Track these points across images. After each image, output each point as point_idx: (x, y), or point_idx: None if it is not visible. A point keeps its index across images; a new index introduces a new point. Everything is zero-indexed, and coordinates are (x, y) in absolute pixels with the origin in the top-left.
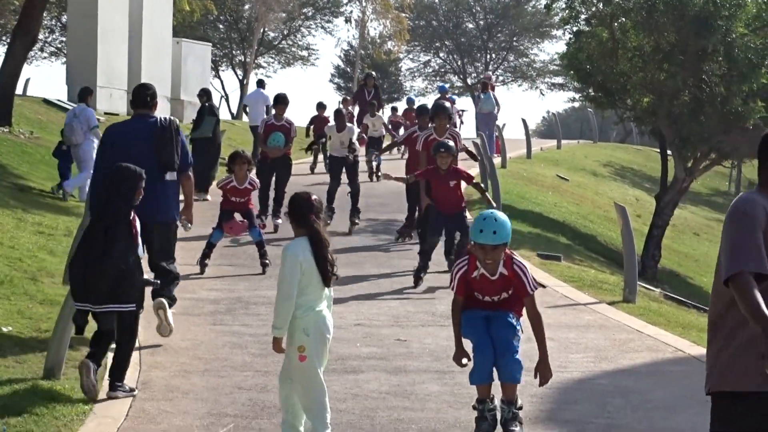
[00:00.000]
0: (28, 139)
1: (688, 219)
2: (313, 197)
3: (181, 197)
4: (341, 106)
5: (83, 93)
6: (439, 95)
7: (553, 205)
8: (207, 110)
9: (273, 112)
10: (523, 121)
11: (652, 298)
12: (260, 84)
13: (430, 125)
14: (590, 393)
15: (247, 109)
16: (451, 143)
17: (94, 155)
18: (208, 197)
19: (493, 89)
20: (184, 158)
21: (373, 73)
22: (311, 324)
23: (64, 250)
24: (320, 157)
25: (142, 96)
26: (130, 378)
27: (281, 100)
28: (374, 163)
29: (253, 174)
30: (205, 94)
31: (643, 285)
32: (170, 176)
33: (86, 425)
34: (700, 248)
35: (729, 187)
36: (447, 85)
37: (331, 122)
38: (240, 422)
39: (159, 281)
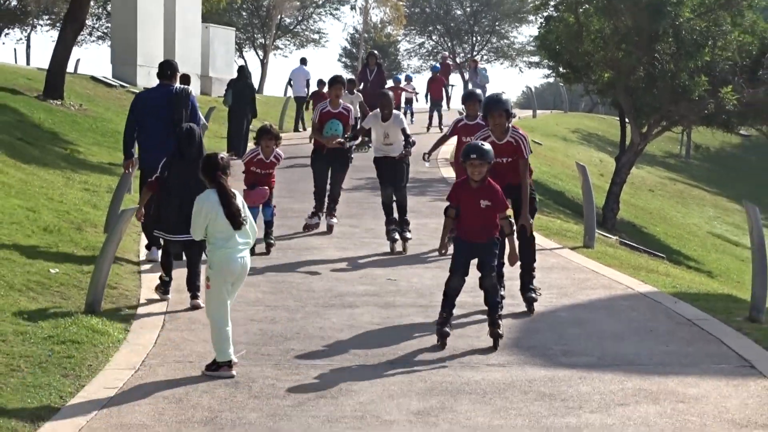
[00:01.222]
0: (78, 111)
1: (644, 177)
2: (220, 156)
3: None
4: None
5: (185, 79)
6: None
7: None
8: (233, 85)
9: (326, 95)
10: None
11: (609, 244)
12: (303, 61)
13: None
14: (551, 324)
15: (291, 83)
16: (488, 147)
17: None
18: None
19: (475, 67)
20: (192, 117)
21: (375, 51)
22: (215, 259)
23: (106, 204)
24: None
25: (164, 70)
26: (159, 311)
27: (336, 81)
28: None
29: (279, 149)
30: (237, 71)
31: (602, 233)
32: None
33: (120, 352)
34: (654, 203)
35: (680, 150)
36: (442, 59)
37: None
38: (251, 348)
39: None
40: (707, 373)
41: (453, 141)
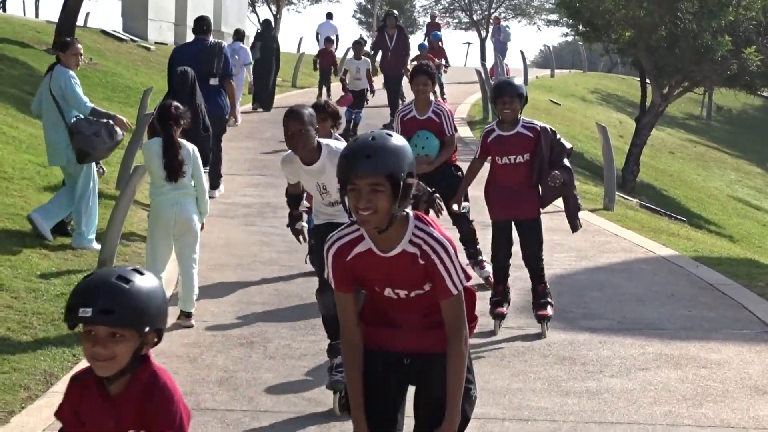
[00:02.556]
0: (88, 65)
1: (665, 139)
2: (174, 105)
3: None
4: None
5: (239, 34)
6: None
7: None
8: (259, 38)
9: (403, 98)
10: (521, 53)
11: (629, 206)
12: (329, 16)
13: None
14: (571, 287)
15: (319, 37)
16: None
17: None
18: (260, 109)
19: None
20: (225, 69)
21: (394, 12)
22: (152, 207)
23: (118, 160)
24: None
25: (200, 26)
26: (173, 271)
27: (421, 72)
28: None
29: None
30: (262, 24)
31: (622, 195)
32: (213, 81)
33: None
34: (675, 165)
35: (701, 111)
36: (431, 18)
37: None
38: (266, 308)
39: None
40: (729, 338)
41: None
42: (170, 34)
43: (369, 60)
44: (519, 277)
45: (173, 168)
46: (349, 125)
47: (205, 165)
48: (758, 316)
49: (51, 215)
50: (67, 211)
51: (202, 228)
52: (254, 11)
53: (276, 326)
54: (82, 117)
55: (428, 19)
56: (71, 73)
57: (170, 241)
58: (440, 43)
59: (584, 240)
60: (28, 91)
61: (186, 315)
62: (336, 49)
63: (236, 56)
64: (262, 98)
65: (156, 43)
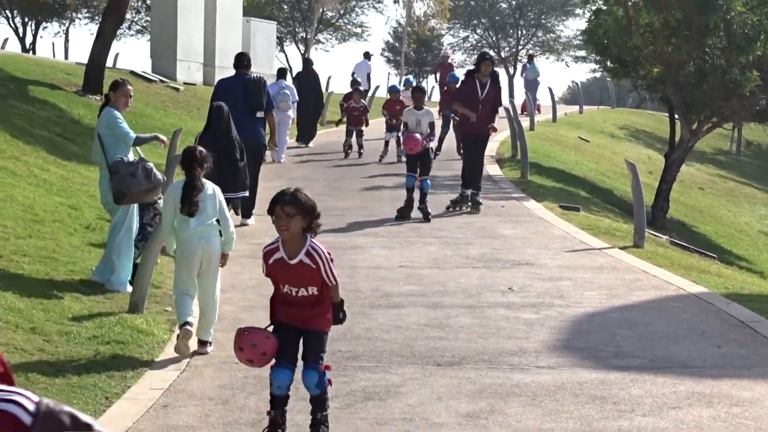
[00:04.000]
0: None
1: (694, 175)
2: (199, 150)
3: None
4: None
5: (282, 72)
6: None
7: (575, 163)
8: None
9: None
10: (550, 89)
11: (659, 243)
12: (366, 55)
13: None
14: (601, 325)
15: (355, 76)
16: None
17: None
18: (311, 145)
19: (531, 61)
20: (268, 103)
21: (490, 52)
22: (179, 242)
23: None
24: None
25: (241, 61)
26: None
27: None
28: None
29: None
30: (305, 62)
31: (652, 232)
32: (259, 114)
33: (165, 351)
34: (705, 201)
35: (730, 147)
36: (443, 58)
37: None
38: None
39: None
40: (762, 376)
41: None
42: (199, 74)
43: (432, 111)
44: (549, 315)
45: (189, 204)
46: (410, 194)
47: (242, 190)
48: None
49: (109, 268)
50: (129, 259)
51: (225, 260)
52: (282, 50)
53: None
54: (122, 158)
55: (455, 57)
56: (115, 112)
57: (196, 271)
58: (457, 86)
59: (615, 278)
60: (57, 133)
61: (203, 343)
62: (368, 89)
63: (286, 91)
64: (305, 135)
65: (185, 83)
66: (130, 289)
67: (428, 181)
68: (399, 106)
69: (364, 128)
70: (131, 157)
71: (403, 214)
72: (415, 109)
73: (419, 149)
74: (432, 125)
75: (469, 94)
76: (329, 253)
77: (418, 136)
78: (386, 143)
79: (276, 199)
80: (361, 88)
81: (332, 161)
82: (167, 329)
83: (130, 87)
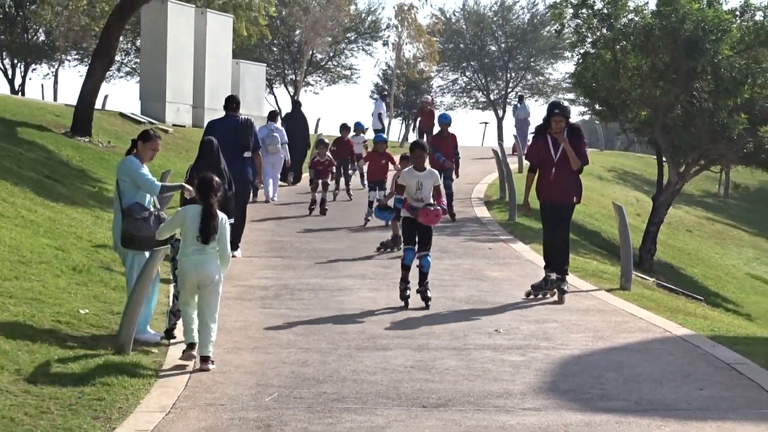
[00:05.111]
0: (106, 148)
1: (682, 217)
2: (215, 179)
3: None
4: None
5: (273, 115)
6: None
7: None
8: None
9: None
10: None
11: (646, 286)
12: (382, 98)
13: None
14: (587, 367)
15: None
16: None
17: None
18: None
19: (521, 101)
20: (255, 144)
21: (563, 102)
22: (179, 267)
23: None
24: (342, 182)
25: (230, 103)
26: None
27: None
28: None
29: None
30: (294, 104)
31: (639, 275)
32: (247, 154)
33: (151, 394)
34: (692, 243)
35: (718, 189)
36: (422, 103)
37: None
38: (283, 392)
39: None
40: (747, 418)
41: None
42: (188, 116)
43: (436, 173)
44: (535, 357)
45: (208, 232)
46: (408, 273)
47: (228, 218)
48: None
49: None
50: (149, 304)
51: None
52: (272, 92)
53: (293, 409)
54: (139, 203)
55: (445, 99)
56: (137, 163)
57: (193, 292)
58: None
59: (601, 320)
60: (45, 175)
61: (204, 359)
62: (382, 128)
63: (275, 134)
64: (295, 176)
65: (174, 125)
66: (153, 335)
67: (429, 258)
68: (385, 159)
69: (330, 181)
70: (150, 204)
71: (402, 297)
72: (415, 170)
73: (438, 221)
74: (438, 190)
75: (540, 155)
76: None
77: (439, 208)
78: (370, 203)
79: None
80: (367, 127)
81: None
82: (153, 371)
83: (159, 141)
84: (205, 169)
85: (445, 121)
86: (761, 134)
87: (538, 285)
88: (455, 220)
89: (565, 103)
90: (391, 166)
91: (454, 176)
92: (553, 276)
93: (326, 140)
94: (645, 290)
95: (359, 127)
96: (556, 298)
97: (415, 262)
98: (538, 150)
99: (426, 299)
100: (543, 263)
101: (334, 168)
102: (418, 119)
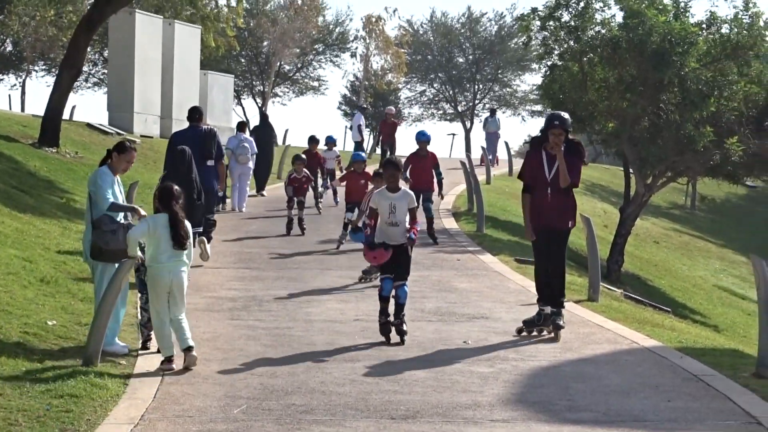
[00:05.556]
0: (74, 159)
1: (649, 229)
2: (175, 187)
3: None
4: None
5: (243, 126)
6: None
7: None
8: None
9: None
10: (506, 143)
11: (614, 297)
12: (361, 110)
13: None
14: (555, 378)
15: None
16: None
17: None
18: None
19: (493, 114)
20: (218, 152)
21: (564, 115)
22: (150, 273)
23: None
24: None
25: (193, 114)
26: (158, 364)
27: None
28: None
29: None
30: (261, 117)
31: (606, 286)
32: (210, 162)
33: (119, 406)
34: (659, 254)
35: (685, 201)
36: (386, 114)
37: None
38: (252, 403)
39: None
40: (714, 429)
41: None
42: (156, 127)
43: (412, 194)
44: (504, 369)
45: (180, 237)
46: (387, 305)
47: (197, 227)
48: (742, 407)
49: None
50: (117, 316)
51: None
52: (240, 103)
53: (262, 421)
54: (109, 215)
55: (413, 110)
56: (106, 174)
57: (166, 299)
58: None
59: (569, 331)
60: (13, 185)
61: (188, 349)
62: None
63: (245, 144)
64: (261, 185)
65: (141, 136)
66: (123, 347)
67: (406, 288)
68: (364, 179)
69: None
70: (120, 217)
71: (382, 331)
72: (388, 191)
73: (385, 260)
74: (413, 213)
75: (533, 173)
76: None
77: (384, 251)
78: (345, 225)
79: None
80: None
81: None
82: (121, 383)
83: (134, 154)
84: (177, 180)
85: (424, 138)
86: (727, 146)
87: (531, 320)
88: (437, 243)
89: (566, 116)
90: (370, 185)
91: (435, 197)
92: (548, 310)
93: (303, 156)
94: (613, 302)
95: (330, 141)
96: (552, 335)
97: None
98: (532, 167)
99: (401, 333)
100: (535, 295)
101: (312, 184)
102: (381, 133)
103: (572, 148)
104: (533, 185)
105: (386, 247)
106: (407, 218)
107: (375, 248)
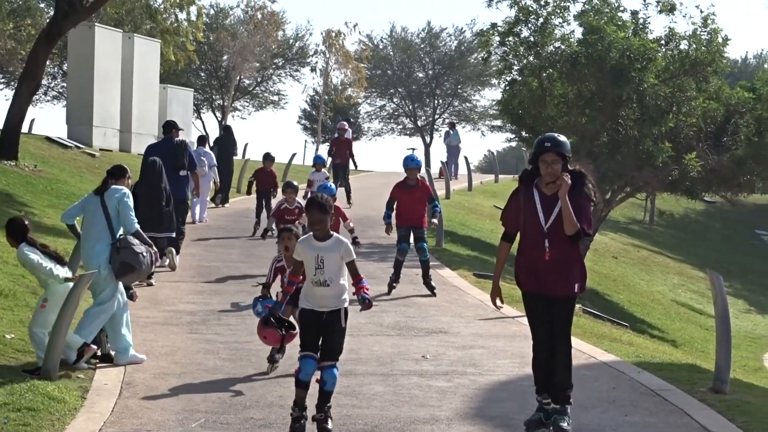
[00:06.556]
0: (32, 172)
1: (608, 244)
2: (23, 219)
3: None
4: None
5: (203, 140)
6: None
7: (490, 232)
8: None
9: None
10: (465, 158)
11: None
12: (347, 120)
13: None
14: (514, 393)
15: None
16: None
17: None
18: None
19: (453, 128)
20: (191, 163)
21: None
22: (52, 292)
23: None
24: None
25: (168, 127)
26: (116, 378)
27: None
28: None
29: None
30: (223, 129)
31: None
32: (182, 173)
33: (77, 419)
34: (618, 270)
35: (644, 216)
36: (339, 129)
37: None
38: (210, 417)
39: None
40: None
41: None
42: (115, 140)
43: (348, 244)
44: (462, 383)
45: (60, 257)
46: (304, 391)
47: (168, 231)
48: (699, 422)
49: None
50: (128, 327)
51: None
52: (199, 117)
53: None
54: (135, 233)
55: (372, 125)
56: (126, 191)
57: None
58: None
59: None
60: None
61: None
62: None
63: (203, 158)
64: (225, 198)
65: (101, 149)
66: (132, 355)
67: (335, 371)
68: (339, 216)
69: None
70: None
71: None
72: (314, 240)
73: (276, 343)
74: (352, 267)
75: (522, 219)
76: None
77: (274, 330)
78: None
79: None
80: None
81: (249, 229)
82: (79, 396)
83: (130, 174)
84: (146, 189)
85: (413, 165)
86: (686, 162)
87: (535, 421)
88: (435, 294)
89: (563, 138)
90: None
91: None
92: (551, 406)
93: (295, 183)
94: None
95: (319, 162)
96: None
97: (316, 375)
98: (518, 209)
99: (325, 430)
100: (534, 386)
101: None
102: (333, 149)
103: (574, 182)
104: (523, 234)
105: (290, 327)
106: (342, 276)
107: (269, 325)
